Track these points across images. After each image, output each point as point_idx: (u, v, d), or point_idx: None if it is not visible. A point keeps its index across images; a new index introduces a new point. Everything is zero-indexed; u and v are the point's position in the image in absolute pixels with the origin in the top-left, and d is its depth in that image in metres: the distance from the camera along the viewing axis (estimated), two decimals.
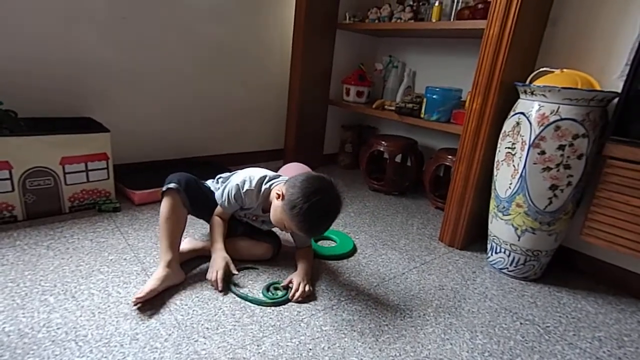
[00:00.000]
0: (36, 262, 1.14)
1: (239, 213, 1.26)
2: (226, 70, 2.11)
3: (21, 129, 1.37)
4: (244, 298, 1.07)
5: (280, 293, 1.11)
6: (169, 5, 1.80)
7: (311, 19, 2.09)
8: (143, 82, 1.84)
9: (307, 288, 1.11)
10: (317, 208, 1.02)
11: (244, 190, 1.16)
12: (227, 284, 1.11)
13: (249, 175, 1.18)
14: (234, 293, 1.09)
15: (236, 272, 1.12)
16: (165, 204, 1.12)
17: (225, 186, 1.20)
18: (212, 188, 1.31)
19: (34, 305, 0.96)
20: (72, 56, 1.61)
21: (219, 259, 1.13)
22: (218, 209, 1.24)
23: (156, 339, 0.89)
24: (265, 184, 1.17)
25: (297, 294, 1.09)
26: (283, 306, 1.07)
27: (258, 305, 1.06)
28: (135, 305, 0.99)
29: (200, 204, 1.21)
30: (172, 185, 1.12)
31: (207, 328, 0.95)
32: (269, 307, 1.05)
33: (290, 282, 1.13)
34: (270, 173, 1.21)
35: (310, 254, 1.27)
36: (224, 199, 1.19)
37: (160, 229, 1.12)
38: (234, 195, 1.17)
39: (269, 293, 1.10)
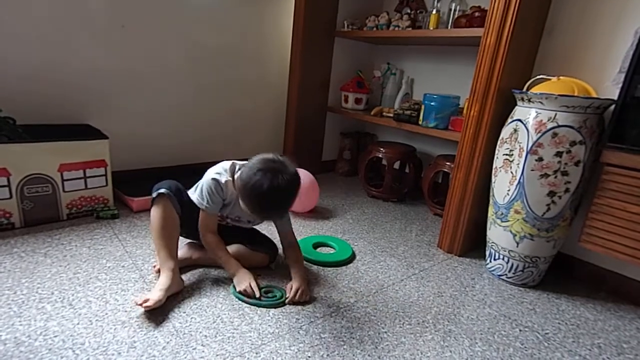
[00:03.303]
0: (33, 269, 1.13)
1: (224, 213, 1.21)
2: (225, 78, 2.12)
3: (20, 136, 1.37)
4: (253, 304, 1.08)
5: (278, 294, 1.12)
6: (167, 15, 1.81)
7: (310, 27, 2.11)
8: (142, 89, 1.84)
9: (304, 290, 1.12)
10: (264, 186, 0.98)
11: (224, 182, 1.12)
12: (232, 290, 1.13)
13: (221, 167, 1.15)
14: (237, 297, 1.10)
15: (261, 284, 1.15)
16: (158, 211, 1.10)
17: (200, 187, 1.15)
18: (192, 197, 1.22)
19: (31, 313, 0.95)
20: (71, 63, 1.61)
21: (245, 275, 1.13)
22: (202, 220, 1.16)
23: (154, 347, 0.89)
24: (237, 172, 1.13)
25: (297, 297, 1.10)
26: (282, 313, 1.06)
27: (259, 307, 1.07)
28: (143, 307, 0.96)
29: (185, 212, 1.16)
30: (162, 190, 1.10)
31: (206, 336, 0.94)
32: (267, 314, 1.05)
33: (291, 287, 1.14)
34: (238, 162, 1.17)
35: (300, 255, 1.25)
36: (204, 199, 1.13)
37: (155, 236, 1.10)
38: (215, 189, 1.12)
39: (267, 296, 1.12)
